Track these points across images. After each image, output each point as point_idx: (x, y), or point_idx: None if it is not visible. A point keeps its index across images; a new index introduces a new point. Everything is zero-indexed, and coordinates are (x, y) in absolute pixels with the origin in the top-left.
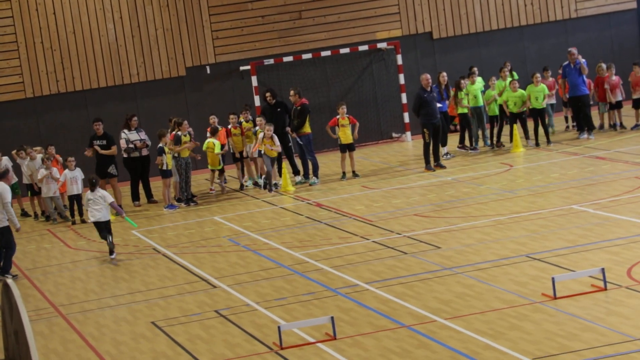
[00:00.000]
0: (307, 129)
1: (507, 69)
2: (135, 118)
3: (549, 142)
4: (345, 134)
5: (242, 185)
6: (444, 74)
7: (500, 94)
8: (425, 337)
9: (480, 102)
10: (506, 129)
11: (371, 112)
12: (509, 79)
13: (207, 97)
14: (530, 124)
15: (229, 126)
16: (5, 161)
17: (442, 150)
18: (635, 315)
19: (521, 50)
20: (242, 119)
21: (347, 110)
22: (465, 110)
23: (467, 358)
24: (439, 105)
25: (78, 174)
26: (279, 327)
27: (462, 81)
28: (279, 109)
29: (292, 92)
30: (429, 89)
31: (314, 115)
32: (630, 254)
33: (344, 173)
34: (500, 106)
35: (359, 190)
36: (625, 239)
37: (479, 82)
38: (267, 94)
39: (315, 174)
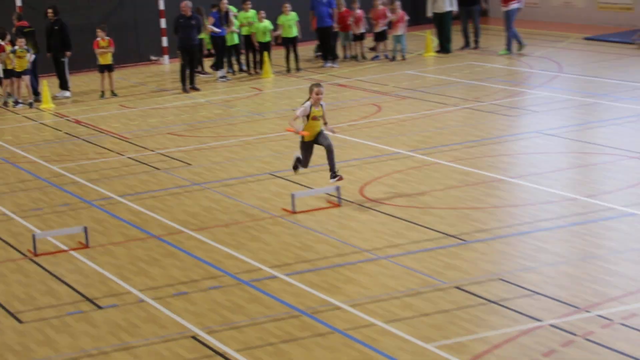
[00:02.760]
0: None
1: (249, 6)
2: None
3: (298, 69)
4: (104, 56)
5: (5, 102)
6: (225, 1)
7: (242, 25)
8: (173, 246)
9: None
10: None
11: (131, 35)
12: (252, 12)
13: None
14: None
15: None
16: None
17: (217, 73)
18: (364, 229)
19: None
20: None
21: (107, 33)
22: (237, 39)
23: (210, 266)
24: (218, 30)
25: None
26: (33, 236)
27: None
28: (56, 27)
29: None
30: (188, 14)
31: (75, 36)
32: (363, 174)
33: (102, 92)
34: (244, 35)
35: (117, 109)
36: (360, 160)
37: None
38: (49, 11)
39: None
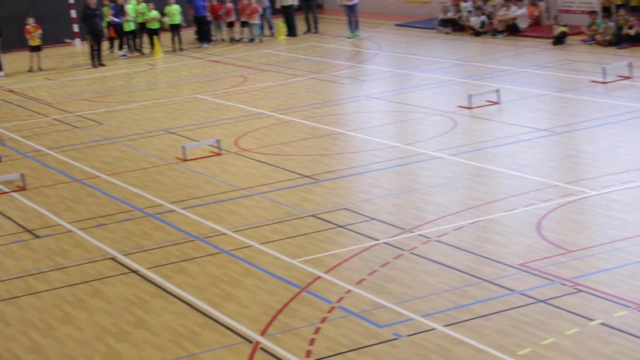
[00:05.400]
0: None
1: None
2: None
3: (181, 49)
4: (34, 39)
5: None
6: None
7: (137, 16)
8: (93, 188)
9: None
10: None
11: (48, 23)
12: (143, 4)
13: None
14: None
15: None
16: None
17: (119, 52)
18: (240, 172)
19: None
20: None
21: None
22: (132, 26)
23: (122, 203)
24: (116, 19)
25: None
26: None
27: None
28: None
29: None
30: (93, 6)
31: (3, 25)
32: (237, 130)
33: (31, 68)
34: (139, 23)
35: (42, 80)
36: (233, 119)
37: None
38: None
39: None
